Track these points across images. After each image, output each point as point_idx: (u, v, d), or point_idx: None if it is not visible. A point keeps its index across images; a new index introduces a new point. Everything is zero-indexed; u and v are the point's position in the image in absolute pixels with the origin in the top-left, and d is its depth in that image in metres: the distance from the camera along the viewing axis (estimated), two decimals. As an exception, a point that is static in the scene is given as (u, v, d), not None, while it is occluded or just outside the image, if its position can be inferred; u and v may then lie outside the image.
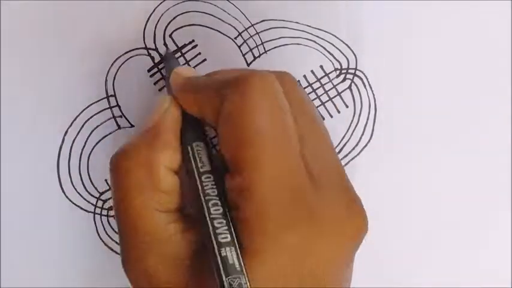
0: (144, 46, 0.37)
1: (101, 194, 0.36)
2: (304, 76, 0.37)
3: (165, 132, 0.30)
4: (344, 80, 0.37)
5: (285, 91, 0.29)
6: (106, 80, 0.36)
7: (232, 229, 0.28)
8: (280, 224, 0.27)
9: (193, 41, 0.37)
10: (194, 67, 0.36)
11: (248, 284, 0.26)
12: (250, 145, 0.27)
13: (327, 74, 0.37)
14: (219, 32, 0.37)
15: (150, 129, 0.30)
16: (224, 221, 0.28)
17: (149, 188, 0.29)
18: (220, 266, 0.27)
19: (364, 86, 0.37)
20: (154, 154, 0.29)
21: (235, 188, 0.28)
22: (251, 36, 0.37)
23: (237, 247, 0.27)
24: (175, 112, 0.31)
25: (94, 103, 0.36)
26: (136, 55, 0.37)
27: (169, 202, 0.30)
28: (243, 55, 0.37)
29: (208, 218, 0.28)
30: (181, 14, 0.37)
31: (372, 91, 0.37)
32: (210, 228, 0.27)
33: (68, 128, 0.36)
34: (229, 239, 0.27)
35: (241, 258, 0.27)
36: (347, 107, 0.37)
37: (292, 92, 0.30)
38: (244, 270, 0.26)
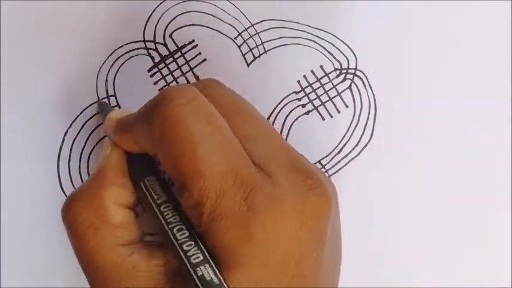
0: (144, 46, 0.37)
1: (101, 194, 0.36)
2: (304, 76, 0.37)
3: (109, 172, 0.30)
4: (344, 80, 0.37)
5: (211, 96, 0.29)
6: (106, 80, 0.37)
7: (202, 247, 0.28)
8: (241, 219, 0.27)
9: (193, 41, 0.37)
10: (194, 67, 0.37)
11: None
12: (188, 158, 0.27)
13: (327, 74, 0.37)
14: (219, 32, 0.37)
15: (95, 173, 0.31)
16: (193, 243, 0.28)
17: (102, 226, 0.29)
18: (200, 286, 0.27)
19: (364, 86, 0.37)
20: (100, 192, 0.30)
21: (188, 205, 0.28)
22: (251, 36, 0.37)
23: (211, 262, 0.27)
24: (117, 154, 0.31)
25: (94, 103, 0.36)
26: (137, 55, 0.37)
27: (128, 235, 0.30)
28: (243, 55, 0.37)
29: (177, 245, 0.28)
30: (181, 14, 0.37)
31: (372, 91, 0.37)
32: (181, 253, 0.28)
33: (68, 129, 0.36)
34: (201, 257, 0.27)
35: (217, 272, 0.27)
36: (347, 107, 0.37)
37: (218, 95, 0.30)
38: (223, 281, 0.27)
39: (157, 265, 0.29)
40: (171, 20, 0.37)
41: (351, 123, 0.37)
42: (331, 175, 0.37)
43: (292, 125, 0.37)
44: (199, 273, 0.27)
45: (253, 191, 0.27)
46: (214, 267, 0.27)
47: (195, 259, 0.27)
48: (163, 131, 0.28)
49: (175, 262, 0.29)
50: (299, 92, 0.37)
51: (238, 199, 0.27)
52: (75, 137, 0.36)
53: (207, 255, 0.27)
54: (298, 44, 0.37)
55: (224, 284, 0.27)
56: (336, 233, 0.30)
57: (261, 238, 0.27)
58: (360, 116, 0.37)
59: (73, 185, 0.36)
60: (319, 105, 0.37)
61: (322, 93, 0.37)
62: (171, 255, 0.29)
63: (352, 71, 0.37)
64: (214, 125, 0.28)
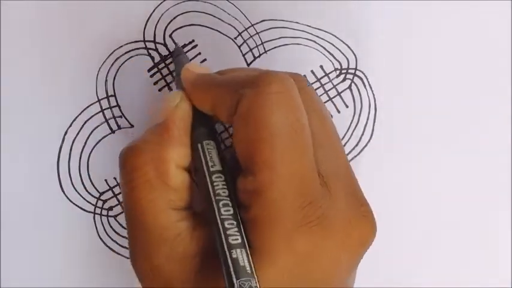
0: (144, 46, 0.37)
1: (101, 194, 0.36)
2: (304, 76, 0.37)
3: (175, 128, 0.29)
4: (344, 80, 0.37)
5: (300, 91, 0.29)
6: (106, 80, 0.37)
7: (243, 231, 0.27)
8: (292, 226, 0.27)
9: (193, 41, 0.37)
10: (194, 67, 0.37)
11: (258, 287, 0.26)
12: (267, 145, 0.27)
13: (327, 74, 0.37)
14: (219, 32, 0.37)
15: (160, 125, 0.30)
16: (235, 222, 0.27)
17: (159, 185, 0.29)
18: (231, 268, 0.26)
19: (364, 86, 0.37)
20: (164, 151, 0.29)
21: (247, 188, 0.27)
22: (251, 36, 0.37)
23: (248, 249, 0.27)
24: (186, 107, 0.30)
25: (94, 103, 0.36)
26: (137, 55, 0.37)
27: (179, 199, 0.29)
28: (243, 55, 0.37)
29: (218, 219, 0.27)
30: (181, 14, 0.37)
31: (372, 91, 0.37)
32: (221, 229, 0.27)
33: (68, 128, 0.36)
34: (239, 240, 0.27)
35: (251, 261, 0.26)
36: (347, 107, 0.37)
37: (303, 91, 0.30)
38: (254, 273, 0.26)
39: (199, 238, 0.29)
40: (171, 20, 0.37)
41: (350, 123, 0.37)
42: (331, 175, 0.37)
43: (292, 125, 0.37)
44: (234, 256, 0.26)
45: (312, 203, 0.27)
46: (249, 255, 0.26)
47: (233, 240, 0.27)
48: (252, 110, 0.27)
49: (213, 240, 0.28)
50: (299, 92, 0.37)
51: (296, 205, 0.27)
52: (75, 137, 0.36)
53: (245, 241, 0.27)
54: (298, 44, 0.37)
55: (255, 275, 0.26)
56: (358, 263, 0.31)
57: (305, 250, 0.27)
58: (360, 116, 0.37)
59: (73, 185, 0.36)
60: (319, 105, 0.37)
61: (322, 93, 0.37)
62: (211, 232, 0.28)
63: (352, 71, 0.37)
64: (300, 123, 0.28)
